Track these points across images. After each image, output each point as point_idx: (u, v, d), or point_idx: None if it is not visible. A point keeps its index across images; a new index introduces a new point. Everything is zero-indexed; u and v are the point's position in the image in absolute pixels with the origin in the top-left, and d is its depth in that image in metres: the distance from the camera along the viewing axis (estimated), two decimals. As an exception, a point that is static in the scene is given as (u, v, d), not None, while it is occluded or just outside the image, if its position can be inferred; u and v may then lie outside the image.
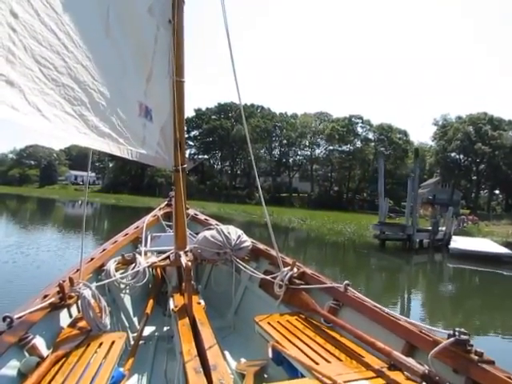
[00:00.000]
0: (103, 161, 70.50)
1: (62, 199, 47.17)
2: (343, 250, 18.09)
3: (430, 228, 19.47)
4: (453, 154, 51.70)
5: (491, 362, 1.58)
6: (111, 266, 2.83)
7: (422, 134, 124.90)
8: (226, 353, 2.74)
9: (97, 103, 2.10)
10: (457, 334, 1.65)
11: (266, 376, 2.27)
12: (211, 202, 43.06)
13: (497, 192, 55.94)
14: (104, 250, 3.16)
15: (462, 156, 51.84)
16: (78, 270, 2.51)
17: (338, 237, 22.00)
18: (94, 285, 2.46)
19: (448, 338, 1.67)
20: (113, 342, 2.07)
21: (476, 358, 1.58)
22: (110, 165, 68.73)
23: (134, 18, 2.48)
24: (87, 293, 2.26)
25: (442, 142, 50.85)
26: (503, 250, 16.16)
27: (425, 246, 18.65)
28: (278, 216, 31.96)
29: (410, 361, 1.71)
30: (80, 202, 39.16)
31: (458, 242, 17.73)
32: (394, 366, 1.77)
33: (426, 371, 1.62)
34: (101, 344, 2.05)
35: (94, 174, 74.94)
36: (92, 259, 2.89)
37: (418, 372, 1.63)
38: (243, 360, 2.57)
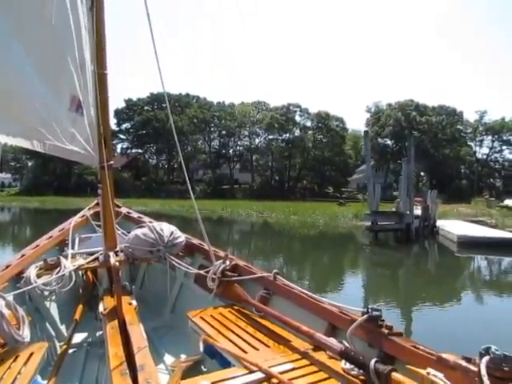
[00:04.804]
0: (20, 159, 62.64)
1: (-29, 206, 40.73)
2: (336, 247, 15.75)
3: (418, 214, 17.94)
4: (385, 140, 54.35)
5: (399, 334, 1.69)
6: (31, 272, 2.67)
7: (355, 121, 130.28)
8: (163, 351, 2.80)
9: (22, 93, 1.94)
10: (369, 310, 1.75)
11: (201, 369, 2.24)
12: (151, 199, 40.33)
13: (422, 174, 60.27)
14: (23, 255, 2.98)
15: (393, 141, 54.72)
16: None
17: (311, 230, 20.39)
18: (10, 294, 2.31)
19: (362, 316, 1.76)
20: (31, 354, 1.95)
21: (386, 331, 1.69)
22: (29, 163, 61.37)
23: (70, 2, 2.29)
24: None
25: (375, 128, 53.05)
26: (507, 234, 14.82)
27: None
28: (233, 210, 30.23)
29: (331, 340, 1.79)
30: (-6, 208, 34.18)
31: (451, 227, 16.28)
32: (318, 346, 1.84)
33: (343, 348, 1.68)
34: (16, 358, 1.91)
35: (9, 175, 66.42)
36: (8, 266, 2.75)
37: (337, 350, 1.70)
38: (183, 356, 2.58)
